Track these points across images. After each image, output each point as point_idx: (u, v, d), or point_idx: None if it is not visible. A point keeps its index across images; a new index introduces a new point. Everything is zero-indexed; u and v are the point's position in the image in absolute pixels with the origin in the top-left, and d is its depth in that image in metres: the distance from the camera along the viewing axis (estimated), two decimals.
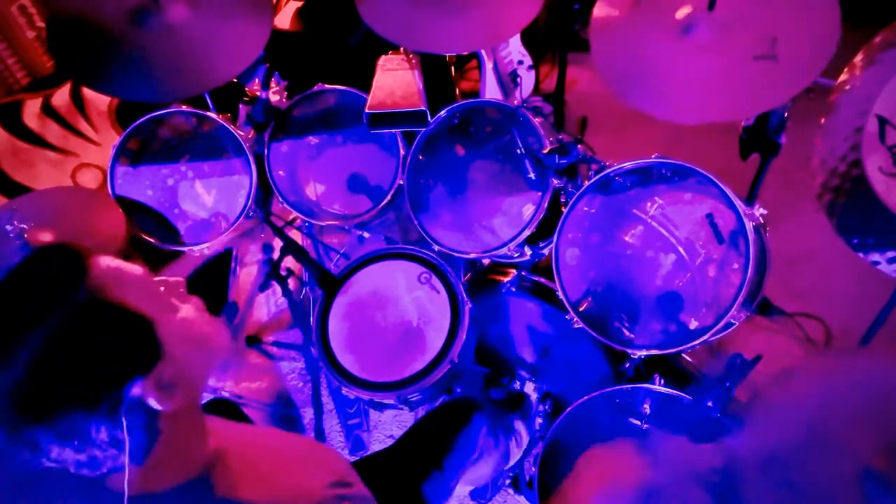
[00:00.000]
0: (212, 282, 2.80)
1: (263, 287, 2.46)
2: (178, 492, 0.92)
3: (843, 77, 1.61)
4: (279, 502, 0.96)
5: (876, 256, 1.53)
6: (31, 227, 1.81)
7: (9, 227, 1.77)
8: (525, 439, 2.09)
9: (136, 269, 0.92)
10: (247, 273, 2.90)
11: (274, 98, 2.14)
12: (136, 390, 0.84)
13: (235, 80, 2.16)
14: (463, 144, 2.12)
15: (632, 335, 1.81)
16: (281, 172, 2.24)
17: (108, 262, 0.89)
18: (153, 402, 0.86)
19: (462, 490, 2.09)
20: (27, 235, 1.79)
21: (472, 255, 2.02)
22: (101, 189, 2.25)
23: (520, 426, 2.07)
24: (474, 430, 1.80)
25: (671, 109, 1.69)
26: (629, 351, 1.76)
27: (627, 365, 1.90)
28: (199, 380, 0.97)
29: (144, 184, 2.23)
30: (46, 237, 1.83)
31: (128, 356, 0.84)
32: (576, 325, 1.79)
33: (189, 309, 0.95)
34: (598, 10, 1.82)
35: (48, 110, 2.73)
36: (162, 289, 0.95)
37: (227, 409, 1.80)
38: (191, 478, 0.94)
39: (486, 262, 2.29)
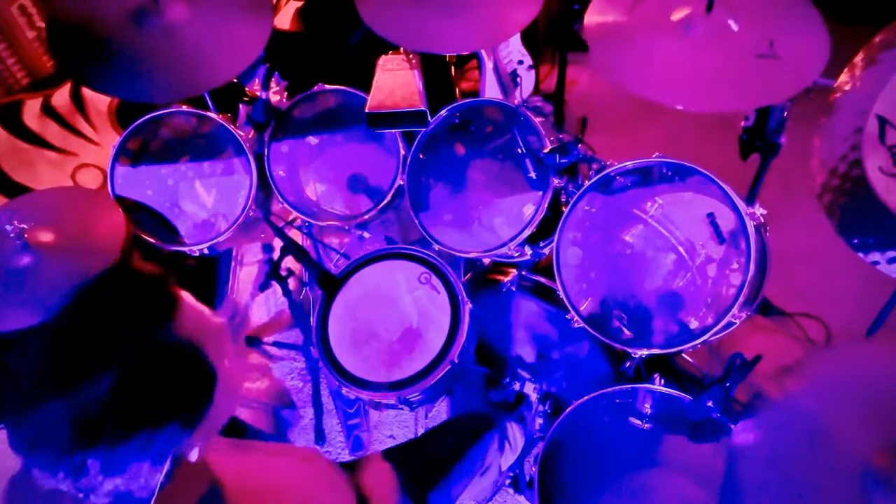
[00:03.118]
0: (212, 282, 2.80)
1: (263, 287, 2.46)
2: None
3: (843, 77, 1.61)
4: None
5: (876, 256, 1.53)
6: (31, 227, 1.81)
7: (9, 227, 1.77)
8: (520, 442, 2.09)
9: (214, 317, 0.93)
10: (247, 273, 2.90)
11: (274, 98, 2.14)
12: (188, 439, 0.84)
13: (235, 80, 2.15)
14: (463, 144, 2.12)
15: (632, 335, 1.81)
16: (281, 172, 2.24)
17: (193, 304, 0.89)
18: (193, 453, 0.86)
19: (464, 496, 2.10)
20: (27, 235, 1.79)
21: (473, 255, 2.02)
22: (101, 189, 2.25)
23: (514, 429, 2.07)
24: (484, 447, 1.81)
25: (670, 96, 1.68)
26: (629, 351, 1.76)
27: (627, 365, 1.90)
28: (219, 426, 0.96)
29: (144, 184, 2.23)
30: (46, 237, 1.83)
31: (194, 404, 0.84)
32: (576, 325, 1.78)
33: (229, 354, 0.95)
34: (590, 17, 1.82)
35: (48, 110, 2.73)
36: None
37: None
38: None
39: (486, 261, 2.29)
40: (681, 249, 1.80)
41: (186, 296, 0.90)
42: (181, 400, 0.82)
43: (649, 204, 1.85)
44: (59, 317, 0.82)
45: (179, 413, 0.82)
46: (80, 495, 0.80)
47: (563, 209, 1.85)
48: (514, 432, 2.07)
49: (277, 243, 2.11)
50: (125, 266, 0.90)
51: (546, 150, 1.84)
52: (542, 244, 2.01)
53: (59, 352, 0.80)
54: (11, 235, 1.77)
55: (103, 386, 0.76)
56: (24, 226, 1.79)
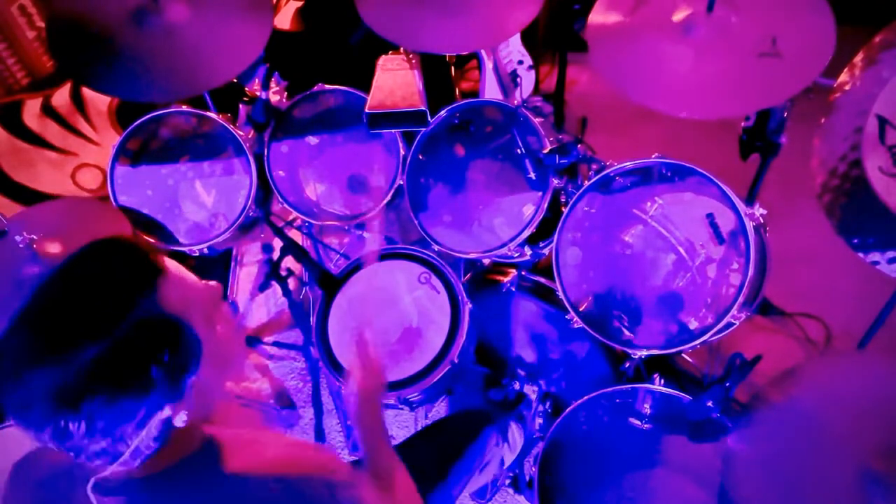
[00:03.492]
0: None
1: (263, 287, 2.46)
2: (171, 471, 0.93)
3: (843, 77, 1.61)
4: (270, 474, 0.95)
5: (876, 256, 1.53)
6: (39, 238, 1.82)
7: (18, 238, 1.79)
8: (519, 442, 2.09)
9: (199, 284, 0.94)
10: (247, 273, 2.90)
11: (274, 98, 2.14)
12: (169, 408, 0.85)
13: (235, 80, 2.15)
14: (463, 144, 2.12)
15: (632, 335, 1.81)
16: (281, 172, 2.24)
17: (178, 272, 0.90)
18: (178, 420, 0.87)
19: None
20: (36, 246, 1.81)
21: (472, 255, 2.02)
22: (102, 189, 2.25)
23: (514, 429, 2.07)
24: (482, 443, 1.81)
25: (671, 104, 1.68)
26: (629, 351, 1.76)
27: (627, 365, 1.90)
28: (215, 394, 0.97)
29: (144, 184, 2.23)
30: (55, 248, 1.84)
31: (178, 374, 0.86)
32: (576, 325, 1.78)
33: (222, 320, 0.96)
34: (595, 17, 1.82)
35: (48, 110, 2.73)
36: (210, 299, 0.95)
37: None
38: (183, 457, 0.94)
39: (486, 261, 2.29)
40: (680, 250, 1.80)
41: (173, 266, 0.90)
42: (164, 370, 0.83)
43: (649, 204, 1.85)
44: (42, 289, 0.83)
45: (161, 383, 0.83)
46: (72, 454, 0.82)
47: (563, 209, 1.85)
48: (514, 431, 2.07)
49: (277, 243, 2.11)
50: (111, 239, 0.89)
51: (546, 151, 1.84)
52: (541, 244, 2.01)
53: (42, 323, 0.81)
54: (21, 246, 1.79)
55: (86, 356, 0.77)
56: (34, 236, 1.81)
